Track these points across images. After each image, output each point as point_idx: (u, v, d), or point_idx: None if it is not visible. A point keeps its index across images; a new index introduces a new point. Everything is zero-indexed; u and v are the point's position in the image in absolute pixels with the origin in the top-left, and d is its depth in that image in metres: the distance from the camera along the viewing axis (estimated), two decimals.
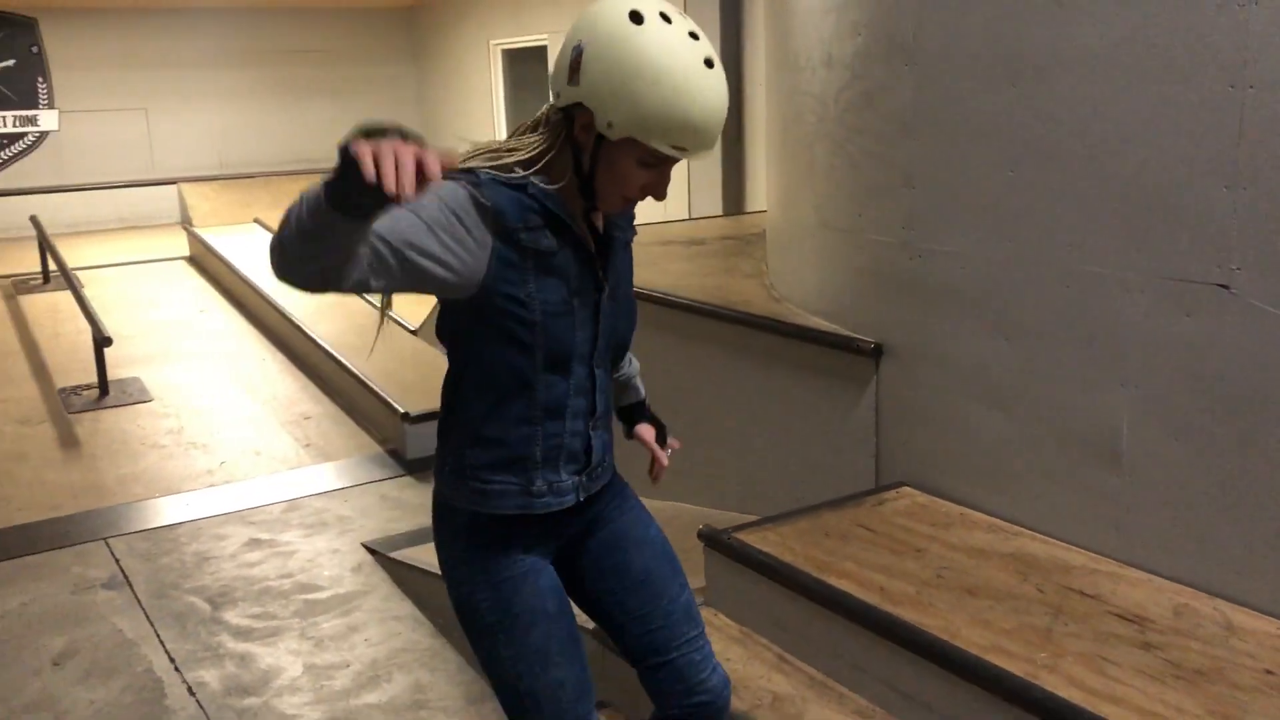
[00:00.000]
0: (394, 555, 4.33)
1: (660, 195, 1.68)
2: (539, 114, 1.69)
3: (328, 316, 7.63)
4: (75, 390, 6.61)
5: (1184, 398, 2.45)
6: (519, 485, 1.74)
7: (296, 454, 5.75)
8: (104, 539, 4.70)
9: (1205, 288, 2.36)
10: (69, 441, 5.87)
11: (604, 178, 1.64)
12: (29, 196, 10.94)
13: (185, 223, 11.38)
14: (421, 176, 1.25)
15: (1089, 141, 2.54)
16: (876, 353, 3.23)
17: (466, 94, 11.99)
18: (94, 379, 6.55)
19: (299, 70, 12.63)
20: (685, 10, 8.36)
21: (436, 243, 1.53)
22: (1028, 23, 2.64)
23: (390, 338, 7.27)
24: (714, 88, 1.57)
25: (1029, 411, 2.81)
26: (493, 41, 11.51)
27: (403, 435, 5.57)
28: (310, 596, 4.14)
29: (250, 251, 9.12)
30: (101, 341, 6.37)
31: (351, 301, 8.07)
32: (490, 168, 1.62)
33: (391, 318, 1.83)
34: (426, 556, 3.67)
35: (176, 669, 3.61)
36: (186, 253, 10.31)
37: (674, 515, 3.86)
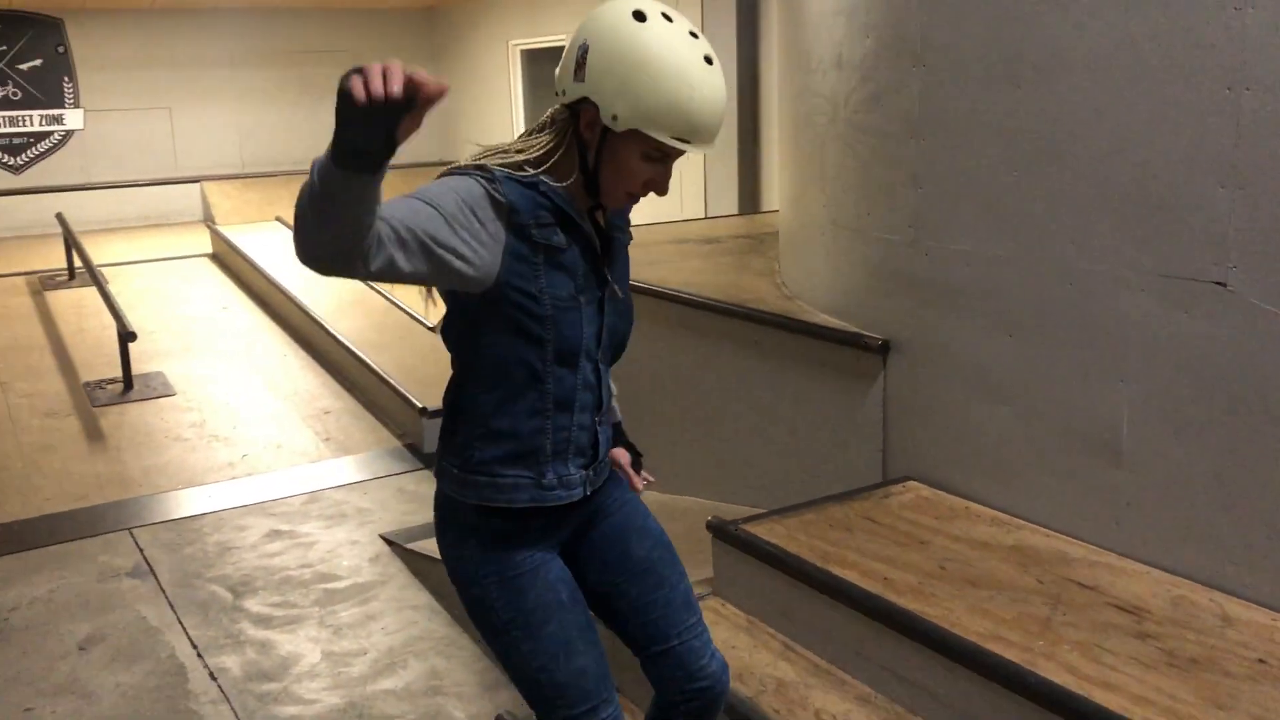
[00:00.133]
0: (411, 546, 4.41)
1: (662, 190, 1.74)
2: (544, 117, 1.75)
3: (348, 314, 7.74)
4: (100, 384, 6.72)
5: (1182, 394, 2.50)
6: (531, 478, 1.78)
7: (316, 448, 5.85)
8: (129, 529, 4.80)
9: (1203, 286, 2.41)
10: (94, 434, 5.98)
11: (608, 173, 1.70)
12: (55, 194, 11.08)
13: (208, 220, 11.50)
14: (412, 86, 1.30)
15: (1091, 142, 2.59)
16: (884, 349, 3.29)
17: (485, 94, 12.08)
18: (119, 373, 6.66)
19: (320, 70, 12.73)
20: (703, 16, 8.46)
21: (455, 236, 1.58)
22: (1032, 26, 2.69)
23: (408, 335, 7.37)
24: (713, 83, 1.64)
25: (1032, 407, 2.86)
26: (511, 42, 11.59)
27: (420, 430, 5.68)
28: (329, 586, 4.23)
29: (272, 249, 9.22)
30: (126, 336, 6.48)
31: (371, 299, 8.18)
32: (502, 165, 1.68)
33: (430, 299, 1.86)
34: None
35: (199, 655, 3.70)
36: (209, 250, 10.43)
37: (686, 509, 3.93)
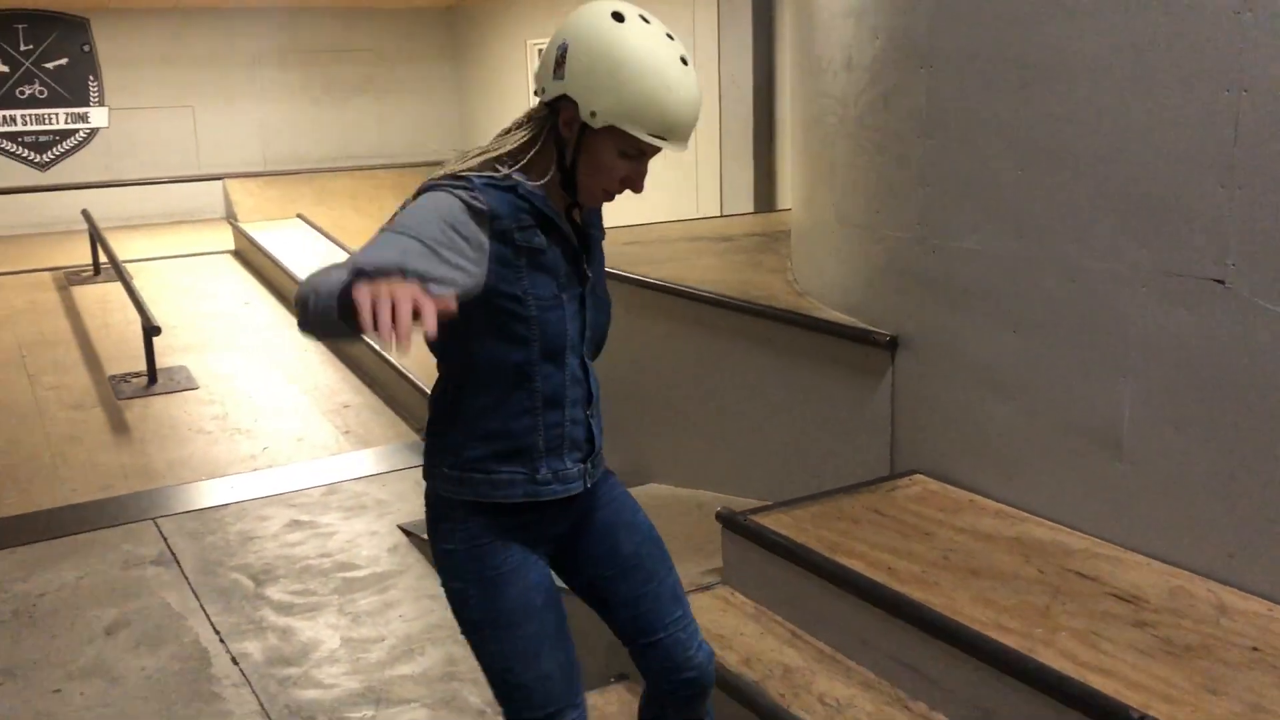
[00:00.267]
0: (428, 537, 4.49)
1: (638, 188, 1.79)
2: (521, 115, 1.80)
3: None
4: (125, 378, 6.84)
5: (1182, 389, 2.55)
6: (525, 474, 1.82)
7: (336, 441, 5.95)
8: (153, 519, 4.91)
9: (1202, 283, 2.46)
10: (119, 426, 6.10)
11: (585, 170, 1.75)
12: (80, 191, 11.23)
13: (230, 218, 11.64)
14: (417, 319, 1.36)
15: (1094, 142, 2.65)
16: (892, 345, 3.34)
17: (504, 92, 12.17)
18: (143, 367, 6.78)
19: (341, 69, 12.87)
20: (719, 20, 8.51)
21: (443, 264, 1.62)
22: (1037, 29, 2.75)
23: None
24: (688, 83, 1.71)
25: (1035, 402, 2.91)
26: (530, 41, 11.68)
27: None
28: (348, 575, 4.32)
29: (293, 246, 9.34)
30: (150, 331, 6.59)
31: None
32: (480, 172, 1.72)
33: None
34: None
35: (221, 640, 3.80)
36: (231, 247, 10.57)
37: (697, 502, 4.00)
